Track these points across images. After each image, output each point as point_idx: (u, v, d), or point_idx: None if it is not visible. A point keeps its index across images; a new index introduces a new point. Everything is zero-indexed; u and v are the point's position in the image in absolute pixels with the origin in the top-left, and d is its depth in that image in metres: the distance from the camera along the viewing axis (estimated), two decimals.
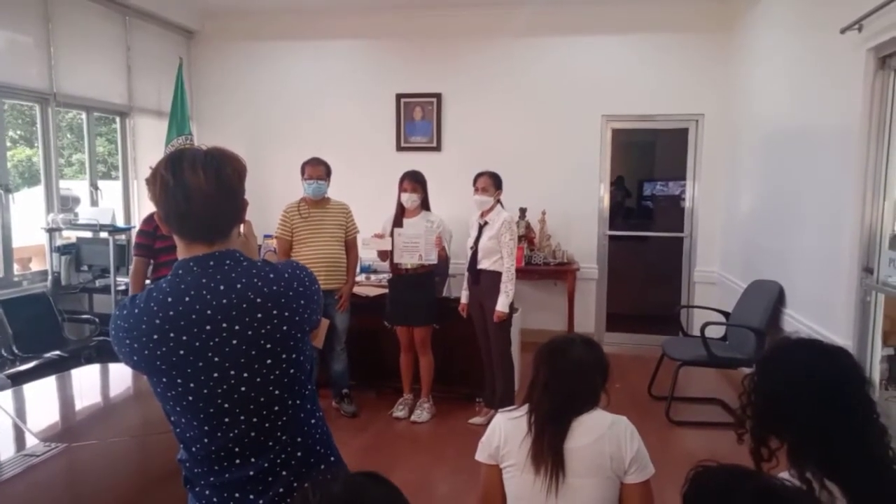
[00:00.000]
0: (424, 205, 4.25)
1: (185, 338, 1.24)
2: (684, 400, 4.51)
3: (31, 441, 2.11)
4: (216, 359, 1.25)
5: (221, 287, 1.27)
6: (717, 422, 4.22)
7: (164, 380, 1.26)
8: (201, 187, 1.26)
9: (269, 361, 1.28)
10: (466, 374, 4.44)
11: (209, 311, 1.25)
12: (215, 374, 1.25)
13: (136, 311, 1.27)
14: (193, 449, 1.31)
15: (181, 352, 1.24)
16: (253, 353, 1.27)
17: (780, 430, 1.38)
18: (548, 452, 1.69)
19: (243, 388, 1.27)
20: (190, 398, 1.26)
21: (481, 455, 1.83)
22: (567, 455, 1.69)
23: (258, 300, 1.27)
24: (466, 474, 3.18)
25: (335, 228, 4.17)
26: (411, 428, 4.14)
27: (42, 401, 2.71)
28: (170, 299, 1.26)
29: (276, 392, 1.30)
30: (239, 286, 1.28)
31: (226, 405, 1.27)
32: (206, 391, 1.26)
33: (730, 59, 5.54)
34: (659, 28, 5.72)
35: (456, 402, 4.47)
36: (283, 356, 1.30)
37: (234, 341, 1.26)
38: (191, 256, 1.30)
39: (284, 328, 1.30)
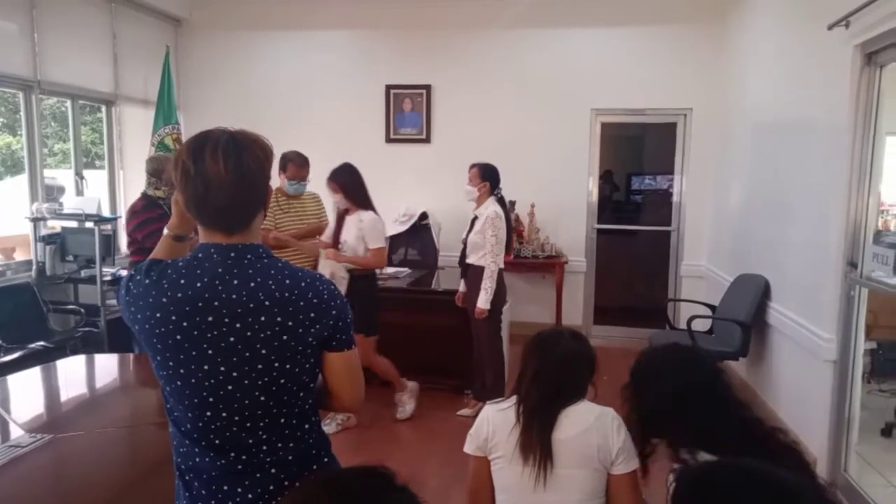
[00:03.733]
0: (362, 202, 3.84)
1: (185, 323, 1.23)
2: None
3: (16, 432, 2.10)
4: (210, 351, 1.24)
5: (235, 282, 1.25)
6: None
7: (158, 357, 1.27)
8: (220, 176, 1.23)
9: (259, 367, 1.25)
10: (455, 366, 4.45)
11: (216, 303, 1.24)
12: (205, 367, 1.24)
13: (148, 282, 1.26)
14: (181, 429, 1.31)
15: (178, 336, 1.23)
16: (246, 354, 1.25)
17: (661, 433, 1.63)
18: (536, 443, 1.70)
19: (230, 387, 1.25)
20: (178, 383, 1.26)
21: (470, 447, 1.84)
22: (555, 446, 1.70)
23: (266, 303, 1.25)
24: (455, 466, 3.19)
25: (313, 219, 4.15)
26: (400, 420, 4.15)
27: (27, 392, 2.69)
28: (182, 281, 1.25)
29: (262, 398, 1.27)
30: (252, 284, 1.26)
31: (210, 399, 1.26)
32: (193, 381, 1.25)
33: (719, 54, 5.56)
34: (648, 22, 5.73)
35: (445, 393, 4.48)
36: (276, 365, 1.26)
37: (231, 339, 1.24)
38: (212, 243, 1.29)
39: (284, 338, 1.26)
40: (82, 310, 4.81)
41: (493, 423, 1.80)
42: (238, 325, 1.24)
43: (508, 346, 4.46)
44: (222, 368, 1.25)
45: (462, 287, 4.20)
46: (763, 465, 1.03)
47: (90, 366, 3.09)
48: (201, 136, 1.27)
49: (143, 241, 3.53)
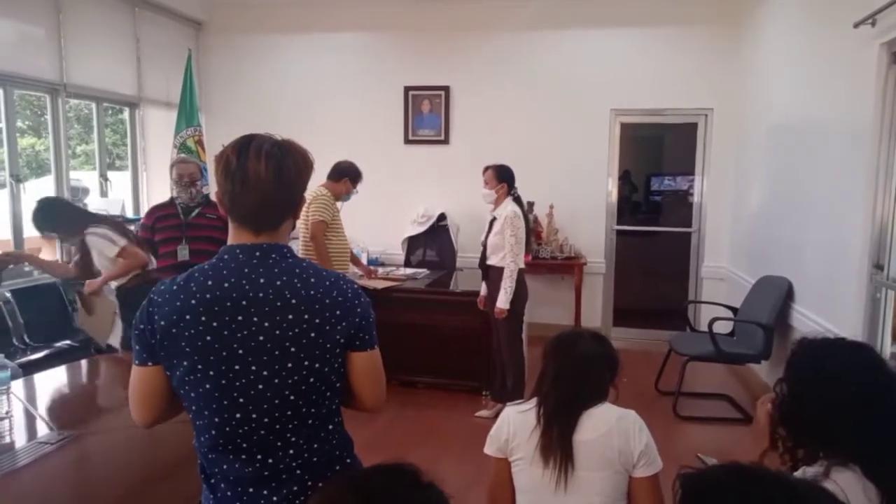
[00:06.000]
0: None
1: (215, 324, 1.24)
2: (691, 395, 4.51)
3: (43, 429, 2.14)
4: (240, 351, 1.24)
5: (261, 280, 1.27)
6: (724, 417, 4.23)
7: (185, 363, 1.25)
8: (259, 175, 1.27)
9: (289, 365, 1.26)
10: (474, 367, 4.45)
11: (244, 302, 1.25)
12: (236, 367, 1.25)
13: (175, 287, 1.27)
14: (203, 438, 1.30)
15: (208, 337, 1.24)
16: (276, 353, 1.25)
17: (823, 435, 1.38)
18: (556, 445, 1.69)
19: (260, 386, 1.26)
20: (207, 386, 1.25)
21: (490, 448, 1.83)
22: (576, 448, 1.69)
23: (293, 301, 1.26)
24: (473, 467, 3.19)
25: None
26: (418, 421, 4.16)
27: (53, 390, 2.74)
28: (209, 282, 1.26)
29: (292, 397, 1.27)
30: (278, 283, 1.27)
31: (240, 400, 1.26)
32: (223, 382, 1.25)
33: (739, 53, 5.51)
34: (668, 21, 5.69)
35: (463, 395, 4.49)
36: (306, 363, 1.27)
37: (261, 337, 1.25)
38: (238, 244, 1.31)
39: (312, 335, 1.27)
40: None
41: (514, 425, 1.79)
42: (267, 324, 1.25)
43: (527, 347, 4.44)
44: (253, 368, 1.25)
45: (483, 290, 4.19)
46: (770, 469, 1.02)
47: (114, 365, 3.13)
48: (249, 136, 1.32)
49: (153, 233, 3.72)
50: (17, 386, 2.58)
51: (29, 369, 3.44)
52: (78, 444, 2.03)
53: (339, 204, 4.25)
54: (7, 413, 2.19)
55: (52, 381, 2.82)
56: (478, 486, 2.95)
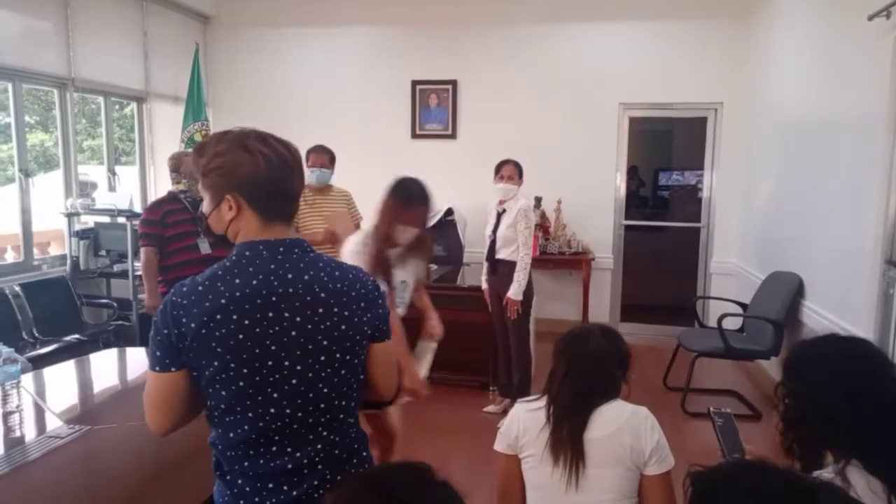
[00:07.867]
0: None
1: (246, 321, 1.22)
2: (700, 391, 4.48)
3: (53, 423, 2.14)
4: (273, 347, 1.24)
5: (289, 276, 1.27)
6: (734, 413, 4.20)
7: (216, 363, 1.22)
8: (296, 162, 1.32)
9: (322, 358, 1.27)
10: (481, 362, 4.44)
11: (274, 298, 1.24)
12: (269, 363, 1.24)
13: (200, 288, 1.24)
14: (231, 434, 1.27)
15: (240, 336, 1.22)
16: (309, 347, 1.26)
17: (823, 431, 1.37)
18: (567, 443, 1.68)
19: (294, 381, 1.26)
20: (241, 383, 1.23)
21: (500, 445, 1.82)
22: (586, 445, 1.68)
23: (322, 294, 1.28)
24: (482, 463, 3.18)
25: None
26: (425, 417, 4.15)
27: (62, 384, 2.75)
28: (237, 280, 1.24)
29: (325, 390, 1.29)
30: (306, 277, 1.28)
31: (274, 395, 1.25)
32: (257, 378, 1.24)
33: (750, 46, 5.46)
34: (678, 14, 5.64)
35: (470, 390, 4.48)
36: (338, 356, 1.29)
37: (293, 332, 1.25)
38: (261, 239, 1.29)
39: (343, 327, 1.29)
40: (115, 304, 4.91)
41: (524, 422, 1.78)
42: (298, 319, 1.25)
43: (534, 342, 4.43)
44: (286, 363, 1.25)
45: (484, 284, 4.18)
46: (780, 465, 1.01)
47: (122, 359, 3.14)
48: (251, 130, 1.31)
49: (140, 236, 3.60)
50: (27, 380, 2.59)
51: (38, 363, 3.45)
52: (88, 438, 2.04)
53: (337, 192, 4.18)
54: (17, 407, 2.20)
55: (62, 376, 2.82)
56: (486, 481, 2.95)
